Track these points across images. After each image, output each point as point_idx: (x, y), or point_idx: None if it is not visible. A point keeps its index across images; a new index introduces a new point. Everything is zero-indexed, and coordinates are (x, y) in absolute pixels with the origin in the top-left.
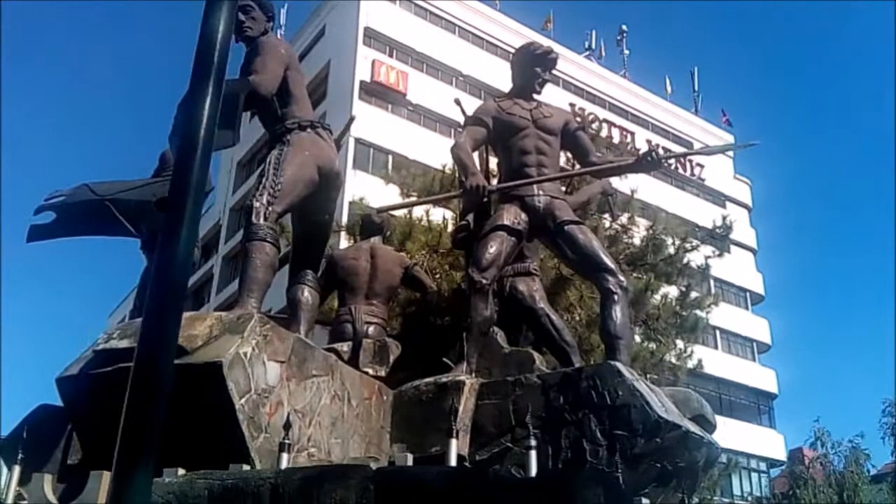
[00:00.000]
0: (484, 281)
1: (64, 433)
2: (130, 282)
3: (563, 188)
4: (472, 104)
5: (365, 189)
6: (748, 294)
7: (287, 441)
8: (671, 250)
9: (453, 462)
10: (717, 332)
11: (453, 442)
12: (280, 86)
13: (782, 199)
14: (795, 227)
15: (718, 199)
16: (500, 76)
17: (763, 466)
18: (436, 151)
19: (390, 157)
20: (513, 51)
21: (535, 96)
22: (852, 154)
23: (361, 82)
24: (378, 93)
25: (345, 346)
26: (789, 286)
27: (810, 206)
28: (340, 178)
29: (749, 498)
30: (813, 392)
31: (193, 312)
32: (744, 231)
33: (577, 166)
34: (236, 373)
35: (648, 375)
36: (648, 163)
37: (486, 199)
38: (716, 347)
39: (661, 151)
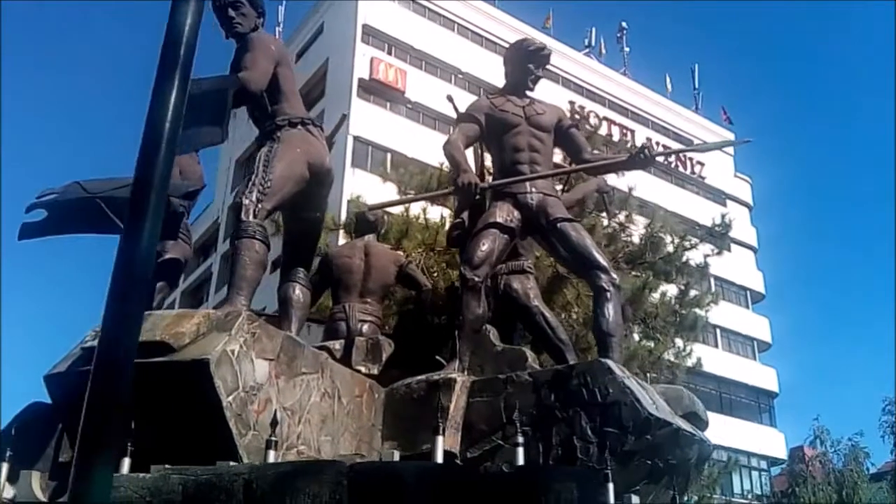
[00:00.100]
0: (476, 279)
1: (55, 431)
2: None
3: (561, 186)
4: (470, 102)
5: (363, 187)
6: (748, 292)
7: (274, 438)
8: (670, 248)
9: (439, 459)
10: (718, 331)
11: (439, 439)
12: (270, 82)
13: (783, 197)
14: (796, 226)
15: (719, 197)
16: (500, 74)
17: (764, 465)
18: (434, 149)
19: (389, 156)
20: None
21: (529, 93)
22: (853, 152)
23: (360, 80)
24: (376, 90)
25: (337, 344)
26: (790, 285)
27: (811, 204)
28: (331, 175)
29: (749, 496)
30: (813, 390)
31: (182, 310)
32: (744, 229)
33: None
34: (224, 370)
35: (649, 374)
36: (641, 160)
37: (478, 197)
38: (716, 346)
39: (655, 148)
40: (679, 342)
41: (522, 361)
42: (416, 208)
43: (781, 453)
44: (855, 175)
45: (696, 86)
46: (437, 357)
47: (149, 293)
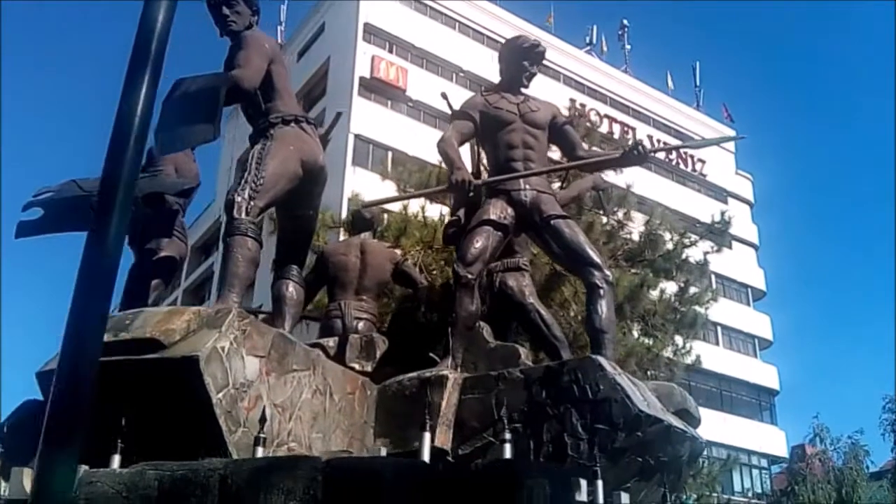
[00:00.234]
0: (469, 276)
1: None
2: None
3: (558, 183)
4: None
5: (364, 185)
6: (749, 290)
7: (262, 435)
8: (669, 246)
9: (426, 456)
10: (719, 329)
11: (426, 435)
12: (264, 80)
13: (785, 194)
14: (797, 223)
15: (720, 194)
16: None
17: (764, 463)
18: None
19: (389, 154)
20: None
21: (523, 90)
22: (854, 150)
23: (361, 78)
24: (377, 89)
25: (331, 342)
26: (791, 282)
27: (812, 201)
28: (325, 173)
29: (750, 495)
30: (815, 388)
31: (173, 307)
32: (745, 227)
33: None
34: (213, 367)
35: (649, 372)
36: (635, 157)
37: (472, 194)
38: (717, 343)
39: (648, 145)
40: (678, 340)
41: (515, 358)
42: (414, 206)
43: (782, 451)
44: (856, 173)
45: (698, 83)
46: (431, 354)
47: (144, 290)
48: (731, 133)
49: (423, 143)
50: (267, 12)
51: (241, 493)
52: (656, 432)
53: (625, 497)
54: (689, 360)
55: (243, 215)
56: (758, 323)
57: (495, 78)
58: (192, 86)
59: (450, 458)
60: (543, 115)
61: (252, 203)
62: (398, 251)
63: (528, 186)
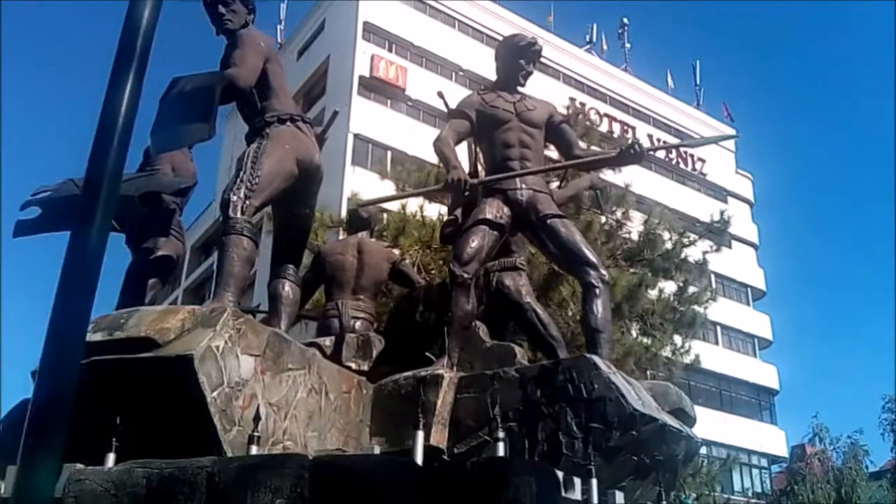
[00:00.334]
0: (465, 275)
1: None
2: None
3: (558, 183)
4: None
5: (363, 185)
6: (749, 289)
7: (256, 434)
8: (668, 245)
9: (419, 454)
10: (718, 328)
11: (419, 434)
12: (259, 79)
13: (785, 194)
14: (797, 223)
15: (720, 194)
16: None
17: (764, 463)
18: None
19: (389, 153)
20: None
21: (520, 89)
22: (855, 149)
23: (360, 77)
24: (377, 88)
25: (327, 341)
26: (791, 282)
27: (813, 201)
28: (321, 172)
29: (749, 494)
30: (815, 388)
31: (167, 306)
32: (745, 226)
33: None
34: (208, 366)
35: (648, 371)
36: (631, 156)
37: (467, 193)
38: (716, 343)
39: (648, 144)
40: (677, 339)
41: (511, 357)
42: (413, 206)
43: (782, 451)
44: (856, 172)
45: (698, 82)
46: (427, 353)
47: (141, 289)
48: (731, 131)
49: (422, 142)
50: (267, 11)
51: (229, 490)
52: (651, 431)
53: (619, 496)
54: (687, 359)
55: (239, 214)
56: (757, 322)
57: (495, 77)
58: (187, 84)
59: (445, 457)
60: (540, 113)
61: (248, 202)
62: (396, 251)
63: (524, 186)
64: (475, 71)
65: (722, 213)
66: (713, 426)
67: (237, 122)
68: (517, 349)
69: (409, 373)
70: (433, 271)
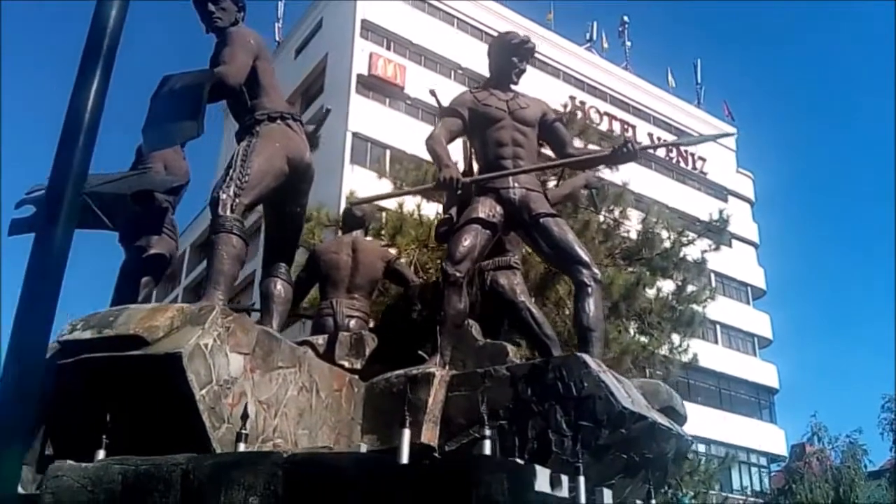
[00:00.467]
0: (458, 274)
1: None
2: None
3: (555, 181)
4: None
5: (362, 184)
6: (749, 288)
7: (244, 431)
8: (667, 244)
9: (405, 452)
10: (718, 327)
11: (405, 432)
12: (249, 76)
13: (785, 193)
14: (798, 222)
15: (720, 192)
16: None
17: (764, 461)
18: None
19: (387, 152)
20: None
21: (514, 87)
22: (855, 148)
23: (359, 76)
24: (375, 86)
25: (320, 339)
26: (791, 281)
27: (813, 200)
28: (312, 170)
29: (748, 493)
30: (815, 387)
31: (156, 304)
32: (746, 225)
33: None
34: (197, 364)
35: (647, 370)
36: (624, 154)
37: (459, 192)
38: (716, 342)
39: (648, 142)
40: (675, 338)
41: (503, 356)
42: (410, 204)
43: (782, 450)
44: (857, 171)
45: (699, 80)
46: (420, 352)
47: (134, 288)
48: (733, 130)
49: (421, 140)
50: (265, 9)
51: (203, 488)
52: (641, 429)
53: (607, 494)
54: (685, 358)
55: (228, 212)
56: (757, 321)
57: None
58: (177, 83)
59: (436, 455)
60: (533, 112)
61: (237, 200)
62: (393, 250)
63: (516, 184)
64: (474, 69)
65: (721, 211)
66: (713, 425)
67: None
68: (509, 347)
69: (401, 371)
70: (430, 270)
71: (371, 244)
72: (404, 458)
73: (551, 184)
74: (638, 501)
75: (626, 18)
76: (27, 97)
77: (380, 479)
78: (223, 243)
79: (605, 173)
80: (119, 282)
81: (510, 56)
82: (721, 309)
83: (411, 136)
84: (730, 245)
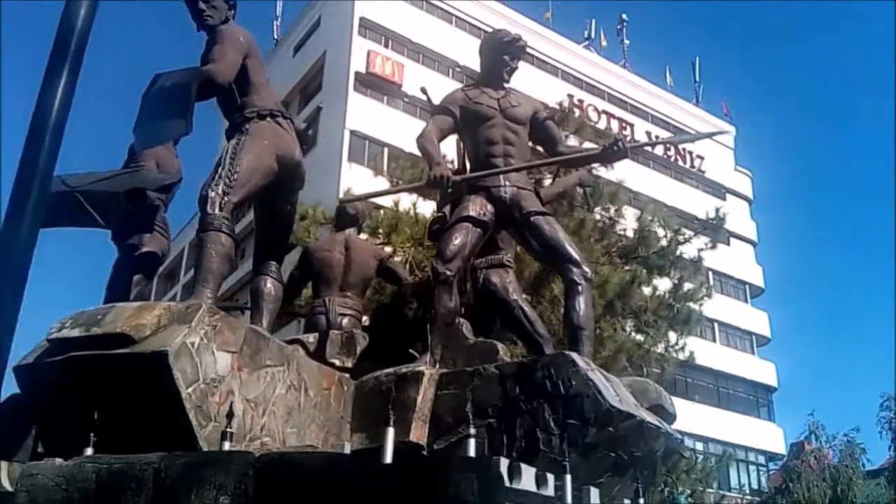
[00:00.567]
0: (448, 272)
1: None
2: None
3: (551, 179)
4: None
5: (359, 182)
6: (747, 287)
7: (229, 430)
8: (664, 242)
9: (389, 451)
10: (716, 325)
11: (389, 431)
12: (239, 74)
13: (784, 191)
14: (797, 220)
15: (719, 191)
16: None
17: (762, 460)
18: None
19: (385, 150)
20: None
21: (506, 84)
22: (854, 146)
23: (356, 73)
24: (373, 84)
25: (311, 337)
26: (790, 279)
27: (812, 198)
28: (302, 168)
29: (746, 491)
30: (814, 385)
31: (144, 302)
32: (744, 223)
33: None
34: (183, 362)
35: (644, 368)
36: (614, 152)
37: (450, 190)
38: (714, 340)
39: (626, 140)
40: (672, 336)
41: (493, 354)
42: (406, 202)
43: (781, 448)
44: (856, 170)
45: (697, 79)
46: (411, 350)
47: (126, 286)
48: (731, 128)
49: None
50: (263, 7)
51: (174, 487)
52: (629, 427)
53: (594, 493)
54: (682, 356)
55: (217, 210)
56: (756, 320)
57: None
58: (167, 81)
59: (425, 453)
60: (524, 110)
61: (226, 198)
62: (388, 248)
63: (507, 183)
64: (472, 67)
65: (717, 209)
66: (711, 423)
67: None
68: (500, 346)
69: (391, 369)
70: (426, 268)
71: (364, 242)
72: (388, 457)
73: (547, 181)
74: (626, 501)
75: (624, 17)
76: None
77: (348, 480)
78: (212, 241)
79: (602, 171)
80: (111, 280)
81: (501, 54)
82: (719, 307)
83: (409, 133)
84: (728, 243)
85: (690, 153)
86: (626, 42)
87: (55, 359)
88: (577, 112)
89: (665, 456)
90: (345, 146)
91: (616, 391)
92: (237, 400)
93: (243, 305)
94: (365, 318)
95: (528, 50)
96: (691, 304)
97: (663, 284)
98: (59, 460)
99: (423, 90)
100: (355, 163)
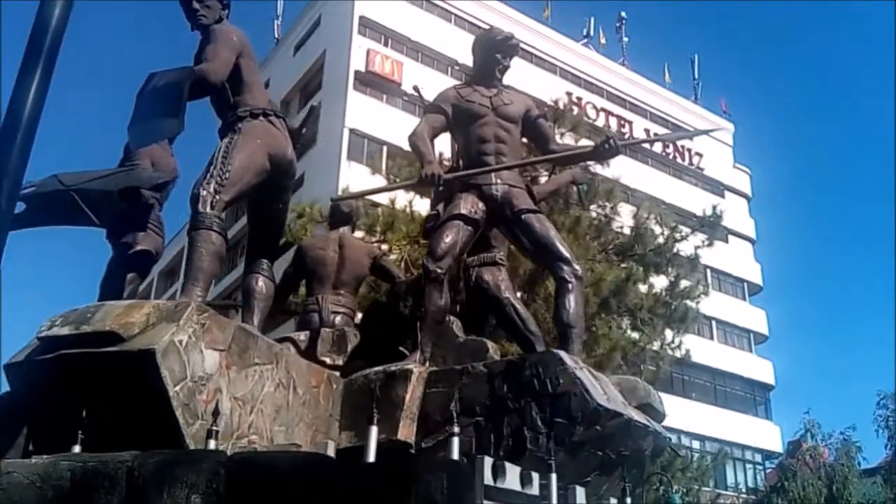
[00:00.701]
0: (438, 270)
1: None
2: None
3: (547, 176)
4: None
5: (358, 180)
6: (746, 284)
7: (215, 428)
8: (660, 240)
9: (372, 449)
10: (714, 323)
11: (373, 429)
12: (232, 73)
13: (783, 188)
14: (796, 218)
15: (717, 188)
16: None
17: (759, 458)
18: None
19: (384, 148)
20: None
21: (497, 83)
22: (854, 144)
23: (356, 72)
24: (373, 83)
25: (302, 335)
26: (788, 277)
27: (811, 196)
28: (294, 167)
29: (742, 489)
30: (812, 383)
31: (133, 300)
32: (743, 221)
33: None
34: (171, 360)
35: (642, 366)
36: (606, 150)
37: (441, 188)
38: (711, 338)
39: (617, 138)
40: (668, 334)
41: (483, 352)
42: (402, 200)
43: (778, 447)
44: (855, 167)
45: (696, 76)
46: (401, 348)
47: (120, 284)
48: (729, 126)
49: None
50: (264, 7)
51: (147, 485)
52: (616, 426)
53: (580, 492)
54: (678, 354)
55: (208, 209)
56: (754, 317)
57: (472, 71)
58: (160, 80)
59: (412, 451)
60: (517, 108)
61: (217, 197)
62: (384, 246)
63: (499, 181)
64: (471, 65)
65: (714, 207)
66: (708, 421)
67: None
68: (489, 344)
69: (380, 367)
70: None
71: (358, 240)
72: (371, 456)
73: (542, 179)
74: (613, 501)
75: (623, 14)
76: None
77: (319, 479)
78: (203, 240)
79: (598, 168)
80: (105, 278)
81: (494, 52)
82: (717, 305)
83: (408, 132)
84: (726, 240)
85: (689, 150)
86: (625, 40)
87: (45, 357)
88: (575, 110)
89: (653, 454)
90: (344, 144)
91: (604, 389)
92: (225, 398)
93: (235, 304)
94: (359, 315)
95: (527, 48)
96: (688, 302)
97: (660, 282)
98: (36, 458)
99: (416, 88)
100: (354, 161)
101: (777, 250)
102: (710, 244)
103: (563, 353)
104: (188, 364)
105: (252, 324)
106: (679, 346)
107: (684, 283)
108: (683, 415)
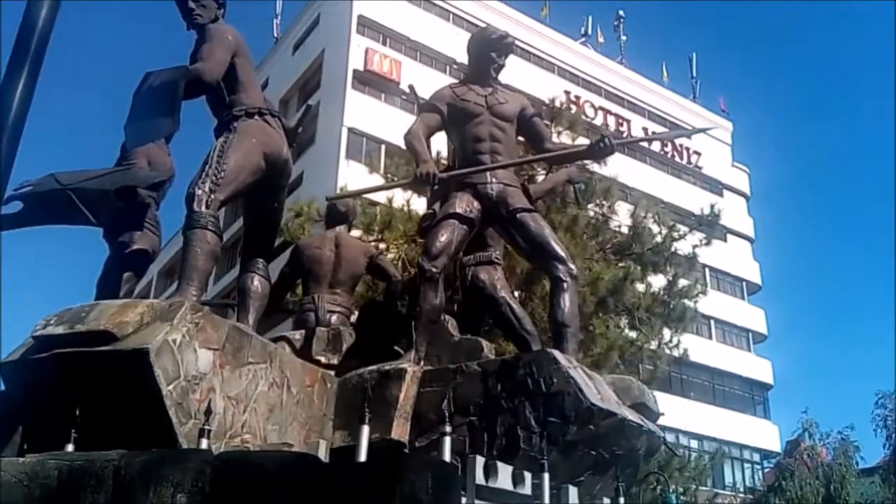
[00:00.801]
0: (434, 269)
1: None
2: None
3: (544, 175)
4: None
5: (357, 179)
6: (744, 283)
7: (207, 427)
8: (658, 239)
9: (364, 449)
10: (712, 322)
11: (364, 428)
12: (227, 72)
13: (781, 187)
14: (794, 217)
15: (716, 187)
16: None
17: (757, 458)
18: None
19: (382, 147)
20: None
21: (493, 82)
22: (853, 143)
23: (355, 71)
24: (371, 82)
25: (297, 335)
26: (787, 276)
27: (810, 195)
28: (290, 166)
29: (740, 489)
30: (810, 383)
31: (128, 300)
32: (741, 220)
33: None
34: (164, 360)
35: (640, 365)
36: (601, 149)
37: (436, 187)
38: (710, 337)
39: (612, 137)
40: (667, 333)
41: (478, 351)
42: (400, 199)
43: (776, 446)
44: (854, 166)
45: (694, 74)
46: (396, 347)
47: (116, 283)
48: (728, 124)
49: None
50: (263, 6)
51: (133, 484)
52: (610, 426)
53: (573, 492)
54: (676, 353)
55: (203, 208)
56: (752, 317)
57: (468, 70)
58: (156, 79)
59: (405, 450)
60: (512, 107)
61: (213, 196)
62: (381, 245)
63: (494, 180)
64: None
65: (713, 206)
66: (706, 420)
67: None
68: (484, 343)
69: (374, 367)
70: None
71: (354, 240)
72: (363, 456)
73: (539, 178)
74: (606, 501)
75: (621, 13)
76: None
77: (306, 478)
78: (197, 239)
79: (595, 167)
80: (102, 277)
81: (489, 51)
82: (715, 304)
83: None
84: (724, 239)
85: (687, 149)
86: (623, 38)
87: (40, 356)
88: (573, 108)
89: (647, 454)
90: (342, 143)
91: (598, 389)
92: (218, 397)
93: (232, 303)
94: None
95: (526, 47)
96: (686, 301)
97: (658, 281)
98: (23, 457)
99: (411, 88)
100: (353, 160)
101: (776, 249)
102: (709, 243)
103: (557, 353)
104: (182, 363)
105: (247, 323)
106: (677, 346)
107: (682, 282)
108: (681, 414)
